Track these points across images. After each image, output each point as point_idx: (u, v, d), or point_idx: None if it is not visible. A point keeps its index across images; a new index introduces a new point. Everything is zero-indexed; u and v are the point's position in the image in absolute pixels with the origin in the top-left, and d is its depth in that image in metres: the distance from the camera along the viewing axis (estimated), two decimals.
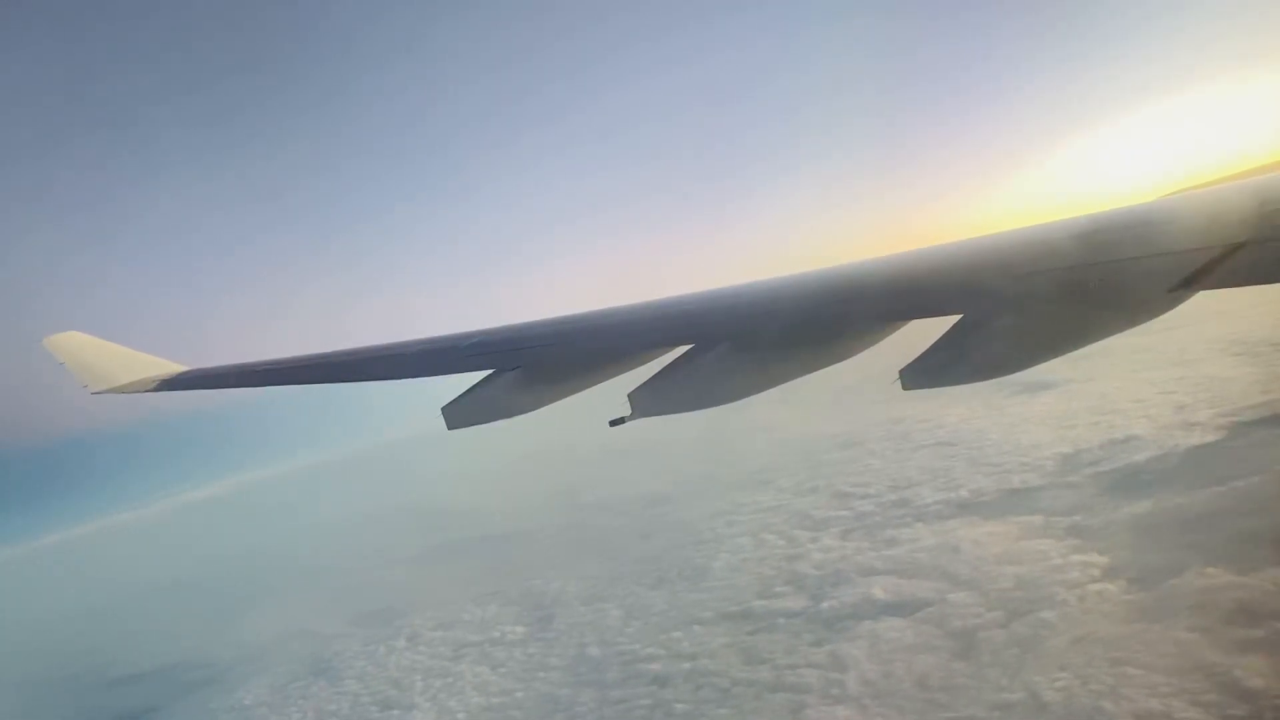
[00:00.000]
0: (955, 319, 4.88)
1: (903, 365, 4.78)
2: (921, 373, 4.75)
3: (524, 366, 6.55)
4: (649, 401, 5.57)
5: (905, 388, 4.75)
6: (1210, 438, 42.10)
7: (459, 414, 6.38)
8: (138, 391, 9.14)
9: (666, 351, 6.14)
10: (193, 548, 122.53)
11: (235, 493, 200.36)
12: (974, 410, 61.11)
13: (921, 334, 4.96)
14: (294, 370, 8.45)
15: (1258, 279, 4.00)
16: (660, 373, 5.79)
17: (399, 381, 7.57)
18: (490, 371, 6.59)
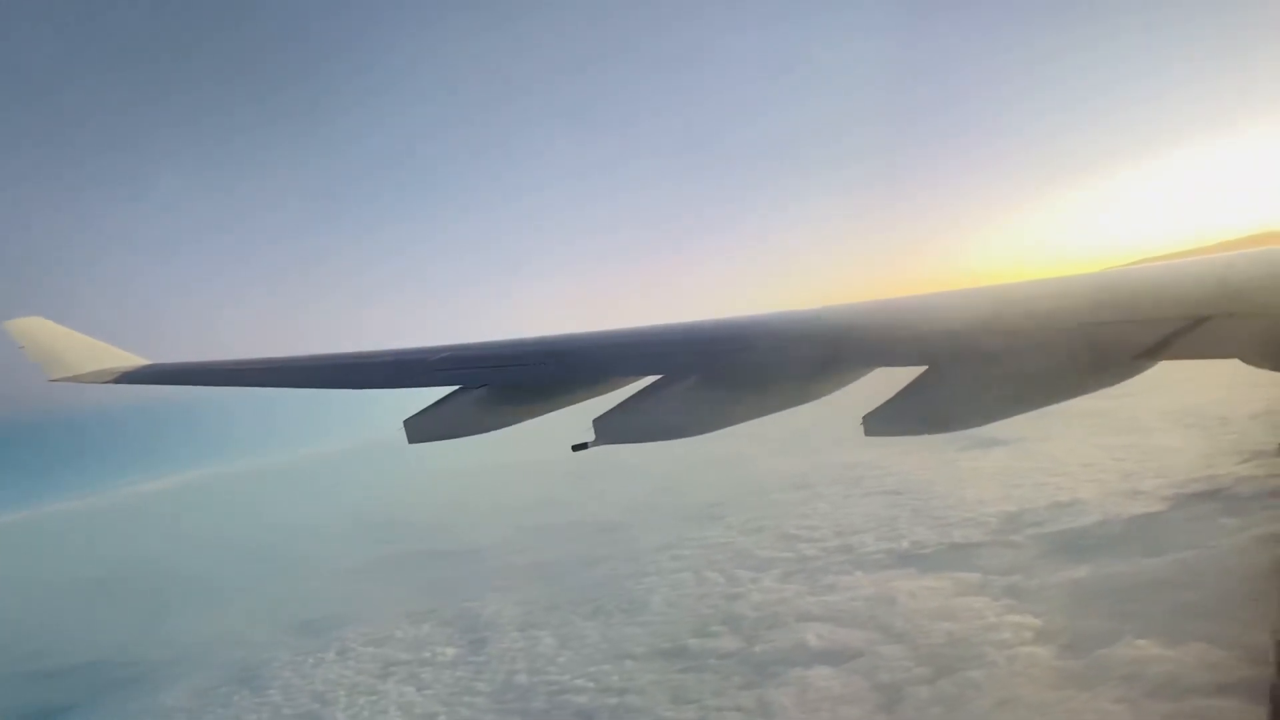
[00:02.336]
0: (921, 370, 4.89)
1: (867, 411, 4.80)
2: (884, 420, 4.77)
3: (491, 385, 6.50)
4: (613, 429, 5.55)
5: (868, 434, 4.79)
6: (1154, 508, 42.29)
7: (421, 428, 6.34)
8: (97, 382, 9.02)
9: (634, 380, 6.11)
10: (135, 542, 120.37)
11: (185, 489, 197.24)
12: (925, 461, 61.17)
13: (888, 382, 4.94)
14: (258, 372, 8.41)
15: (1218, 353, 4.06)
16: (626, 401, 5.76)
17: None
18: (457, 387, 6.54)
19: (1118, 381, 4.81)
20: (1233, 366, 4.26)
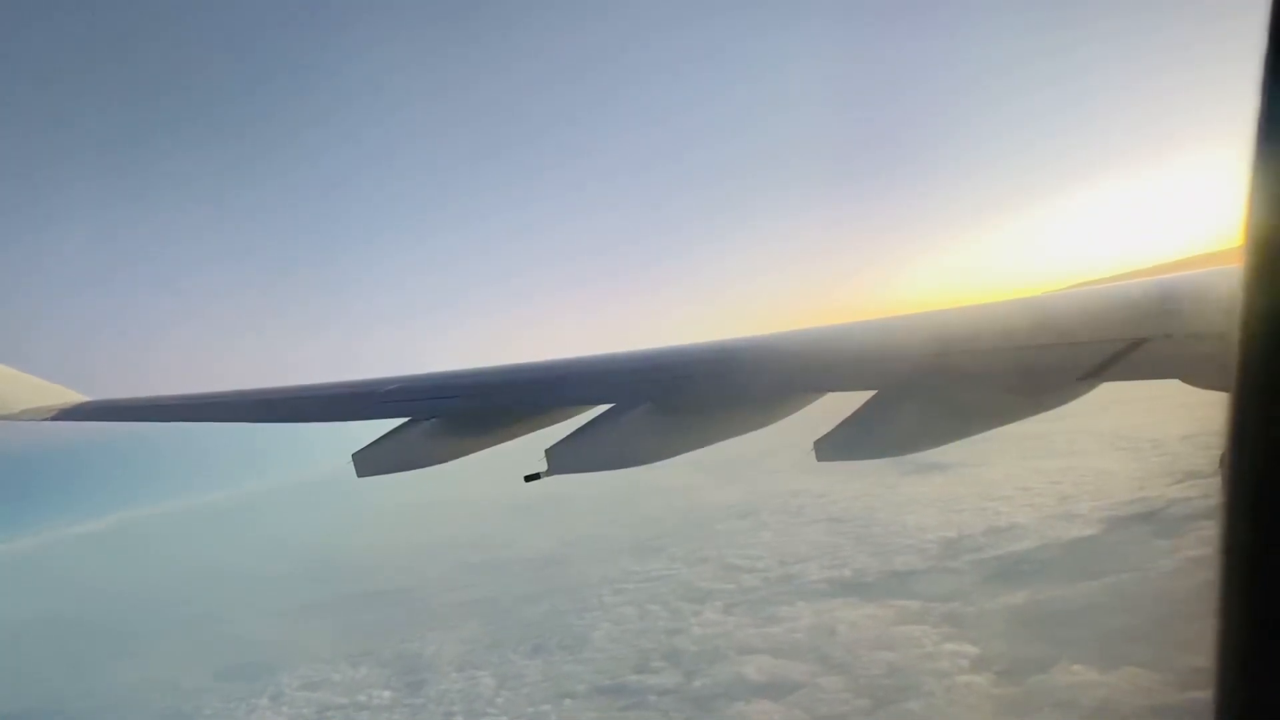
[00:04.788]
0: (870, 394, 4.89)
1: (811, 438, 4.80)
2: (835, 445, 4.77)
3: (441, 417, 6.43)
4: (566, 459, 5.52)
5: (819, 459, 4.77)
6: (1089, 531, 42.88)
7: (370, 461, 6.24)
8: (34, 420, 8.63)
9: (586, 409, 6.07)
10: (63, 585, 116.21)
11: (117, 530, 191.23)
12: (867, 487, 61.40)
13: (838, 408, 4.97)
14: (201, 408, 8.25)
15: (1155, 374, 4.15)
16: (578, 430, 5.74)
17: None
18: (406, 420, 6.43)
19: (1062, 403, 4.90)
20: (1166, 388, 4.34)
